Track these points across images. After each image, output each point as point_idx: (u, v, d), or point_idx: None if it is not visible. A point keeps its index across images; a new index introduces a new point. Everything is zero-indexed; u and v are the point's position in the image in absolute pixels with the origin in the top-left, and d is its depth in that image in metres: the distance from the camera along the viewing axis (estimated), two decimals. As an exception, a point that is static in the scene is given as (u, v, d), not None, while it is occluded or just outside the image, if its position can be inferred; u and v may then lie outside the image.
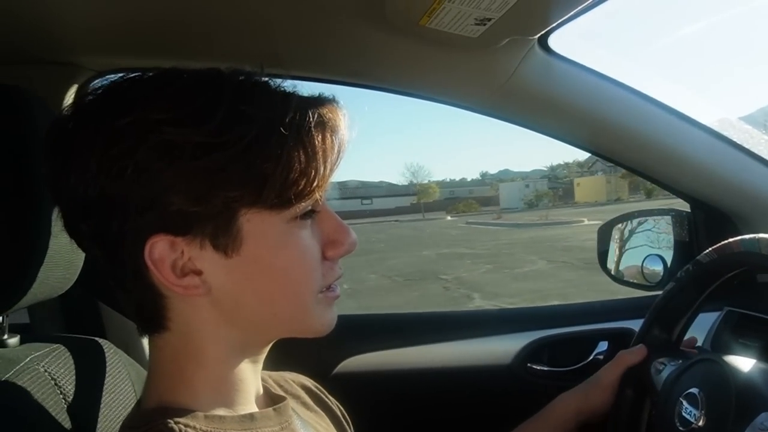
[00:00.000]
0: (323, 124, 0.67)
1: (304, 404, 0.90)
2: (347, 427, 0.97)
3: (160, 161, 0.60)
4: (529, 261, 15.34)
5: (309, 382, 0.97)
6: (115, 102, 0.65)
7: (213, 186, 0.62)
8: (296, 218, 0.67)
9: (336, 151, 0.68)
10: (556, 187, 76.57)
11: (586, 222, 28.56)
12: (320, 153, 0.65)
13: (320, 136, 0.66)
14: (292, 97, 0.67)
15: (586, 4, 0.95)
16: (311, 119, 0.66)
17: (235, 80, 0.67)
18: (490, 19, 0.95)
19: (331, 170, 0.68)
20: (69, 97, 1.20)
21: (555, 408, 1.14)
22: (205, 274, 0.65)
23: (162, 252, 0.63)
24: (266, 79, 0.69)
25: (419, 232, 32.60)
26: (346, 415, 0.98)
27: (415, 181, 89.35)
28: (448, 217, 51.59)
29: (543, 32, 1.08)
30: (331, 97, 0.71)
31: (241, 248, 0.65)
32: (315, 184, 0.65)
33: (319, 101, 0.69)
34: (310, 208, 0.68)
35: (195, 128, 0.61)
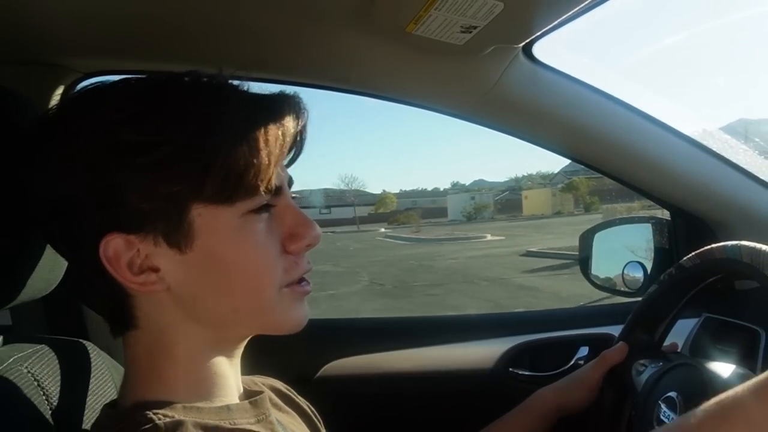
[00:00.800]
0: (267, 119, 0.68)
1: (276, 405, 0.90)
2: (319, 426, 0.98)
3: (109, 160, 0.63)
4: (357, 281, 15.68)
5: (278, 384, 0.97)
6: (74, 106, 0.69)
7: (156, 182, 0.64)
8: (250, 212, 0.68)
9: (280, 144, 0.69)
10: (504, 199, 76.01)
11: (489, 237, 28.27)
12: (263, 146, 0.67)
13: (263, 130, 0.67)
14: (237, 92, 0.70)
15: (569, 13, 0.96)
16: (254, 113, 0.68)
17: (181, 80, 0.69)
18: (475, 27, 0.96)
19: (276, 163, 0.69)
20: (56, 99, 1.20)
21: (536, 402, 1.16)
22: (163, 271, 0.67)
23: (117, 250, 0.65)
24: (218, 78, 0.71)
25: (329, 245, 32.11)
26: (317, 414, 0.99)
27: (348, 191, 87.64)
28: (382, 229, 50.23)
29: (527, 41, 1.10)
30: (279, 92, 0.72)
31: (194, 243, 0.66)
32: (259, 177, 0.67)
33: (267, 96, 0.71)
34: (265, 202, 0.69)
35: (138, 127, 0.64)
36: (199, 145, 0.64)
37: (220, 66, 0.75)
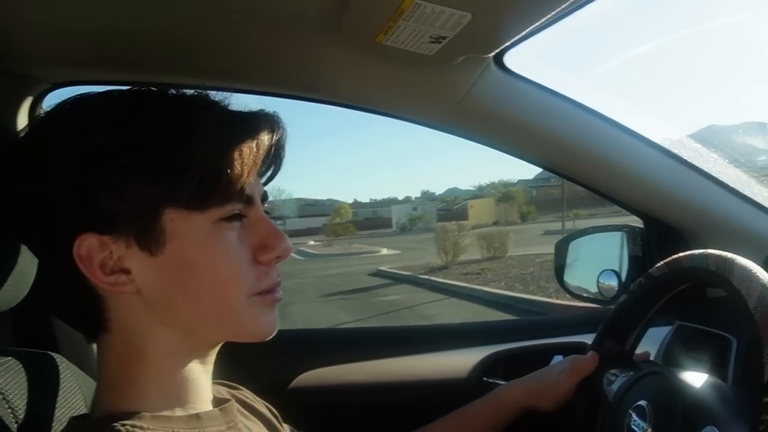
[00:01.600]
0: (242, 130, 0.71)
1: (240, 414, 0.91)
2: (280, 428, 0.98)
3: (85, 163, 0.66)
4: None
5: (240, 393, 0.97)
6: (55, 115, 0.72)
7: (130, 185, 0.66)
8: (221, 220, 0.70)
9: (254, 155, 0.71)
10: (461, 208, 75.03)
11: (384, 252, 27.18)
12: (236, 156, 0.69)
13: (238, 141, 0.70)
14: (215, 105, 0.73)
15: (538, 23, 0.97)
16: (230, 125, 0.71)
17: (159, 92, 0.73)
18: (445, 38, 0.97)
19: (249, 173, 0.71)
20: (24, 109, 1.19)
21: (499, 398, 1.19)
22: (133, 273, 0.69)
23: (90, 250, 0.67)
24: (195, 92, 0.75)
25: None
26: (280, 420, 1.00)
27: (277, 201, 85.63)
28: (311, 242, 48.22)
29: (497, 51, 1.10)
30: (256, 108, 0.76)
31: (165, 247, 0.68)
32: (232, 185, 0.69)
33: (243, 111, 0.74)
34: (237, 211, 0.72)
35: (115, 132, 0.67)
36: (174, 151, 0.67)
37: (188, 76, 0.76)
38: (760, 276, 0.81)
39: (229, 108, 0.74)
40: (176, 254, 0.69)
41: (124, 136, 0.66)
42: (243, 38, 1.07)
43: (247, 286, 0.73)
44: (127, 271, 0.68)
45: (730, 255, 0.88)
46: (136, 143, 0.66)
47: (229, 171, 0.68)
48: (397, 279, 15.93)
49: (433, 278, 14.45)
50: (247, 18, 0.99)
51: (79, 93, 0.73)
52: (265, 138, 0.73)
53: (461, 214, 65.42)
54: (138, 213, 0.67)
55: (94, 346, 1.25)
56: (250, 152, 0.70)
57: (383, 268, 18.39)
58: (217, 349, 0.79)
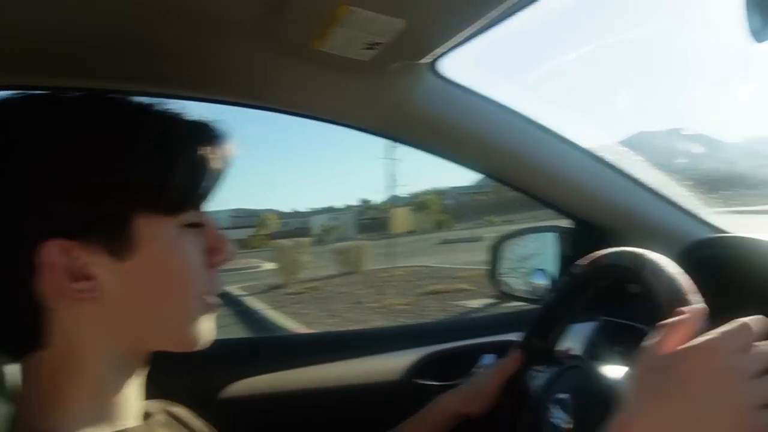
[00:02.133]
0: (212, 140, 0.74)
1: (172, 429, 0.89)
2: None
3: (55, 167, 0.63)
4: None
5: (174, 408, 0.94)
6: (9, 115, 0.68)
7: (106, 190, 0.65)
8: (185, 226, 0.72)
9: (220, 165, 0.74)
10: (376, 217, 73.18)
11: (266, 267, 25.14)
12: (207, 166, 0.72)
13: (207, 151, 0.72)
14: (180, 116, 0.74)
15: (471, 30, 0.99)
16: (203, 134, 0.73)
17: (124, 99, 0.73)
18: (379, 44, 0.99)
19: (215, 181, 0.74)
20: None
21: (437, 408, 1.21)
22: (98, 280, 0.67)
23: (54, 256, 0.64)
24: (156, 101, 0.75)
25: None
26: None
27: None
28: None
29: (433, 58, 1.13)
30: (215, 119, 0.77)
31: (135, 252, 0.68)
32: (202, 192, 0.72)
33: (205, 122, 0.76)
34: (198, 219, 0.73)
35: (90, 135, 0.65)
36: (152, 159, 0.67)
37: (123, 81, 0.76)
38: (668, 269, 0.84)
39: (192, 118, 0.76)
40: (145, 259, 0.68)
41: (99, 139, 0.65)
42: (178, 43, 1.05)
43: (201, 289, 0.75)
44: (90, 278, 0.66)
45: (641, 251, 0.92)
46: (112, 147, 0.65)
47: (203, 178, 0.71)
48: (224, 301, 15.16)
49: (244, 302, 13.63)
50: (180, 22, 0.98)
51: (27, 92, 0.70)
52: (231, 147, 0.76)
53: (387, 223, 64.27)
54: (111, 219, 0.66)
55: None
56: (217, 161, 0.73)
57: (228, 288, 16.86)
58: (148, 362, 0.77)
